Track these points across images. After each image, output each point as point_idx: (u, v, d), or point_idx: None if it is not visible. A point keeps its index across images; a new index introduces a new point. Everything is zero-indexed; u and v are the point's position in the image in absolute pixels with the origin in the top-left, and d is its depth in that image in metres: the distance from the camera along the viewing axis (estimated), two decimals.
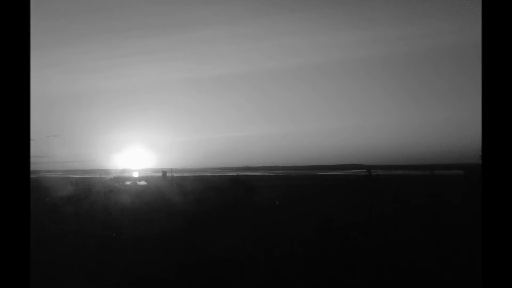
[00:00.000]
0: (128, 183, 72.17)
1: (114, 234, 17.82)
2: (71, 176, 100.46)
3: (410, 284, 11.54)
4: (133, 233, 18.20)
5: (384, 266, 12.77)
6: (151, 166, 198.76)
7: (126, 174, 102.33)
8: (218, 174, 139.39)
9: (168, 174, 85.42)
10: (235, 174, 73.80)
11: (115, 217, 21.99)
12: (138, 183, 73.00)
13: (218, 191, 39.55)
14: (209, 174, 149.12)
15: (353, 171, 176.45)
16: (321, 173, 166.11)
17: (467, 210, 21.81)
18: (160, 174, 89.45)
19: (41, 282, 11.18)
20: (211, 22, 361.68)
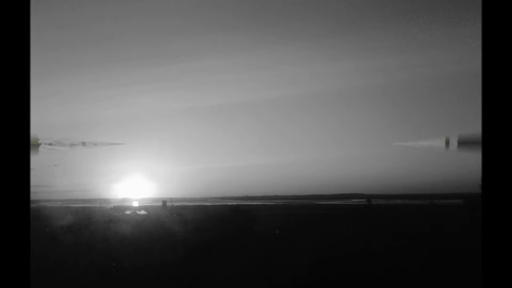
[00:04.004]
0: (128, 212, 71.77)
1: (113, 264, 17.80)
2: (71, 205, 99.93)
3: None
4: (133, 263, 18.17)
5: None
6: (151, 196, 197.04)
7: (126, 204, 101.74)
8: (218, 204, 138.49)
9: (168, 204, 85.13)
10: (235, 203, 73.47)
11: (115, 247, 21.96)
12: (138, 212, 72.55)
13: (218, 220, 39.39)
14: (209, 204, 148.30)
15: (353, 200, 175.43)
16: (321, 202, 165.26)
17: (466, 240, 21.75)
18: (160, 204, 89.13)
19: None
20: (211, 51, 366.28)
